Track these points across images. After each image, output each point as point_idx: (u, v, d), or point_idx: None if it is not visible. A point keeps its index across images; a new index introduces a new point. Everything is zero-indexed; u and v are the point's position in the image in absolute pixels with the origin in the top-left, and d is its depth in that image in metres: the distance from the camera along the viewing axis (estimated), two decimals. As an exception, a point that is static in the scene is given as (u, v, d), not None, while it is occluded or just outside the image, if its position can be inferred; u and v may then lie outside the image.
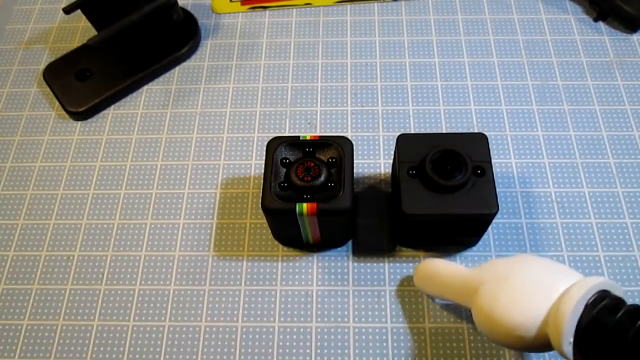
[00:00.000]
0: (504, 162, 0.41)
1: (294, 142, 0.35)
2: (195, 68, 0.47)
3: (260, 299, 0.37)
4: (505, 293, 0.28)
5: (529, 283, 0.28)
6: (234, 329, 0.36)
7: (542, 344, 0.27)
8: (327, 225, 0.35)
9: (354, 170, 0.36)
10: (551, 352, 0.33)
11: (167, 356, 0.35)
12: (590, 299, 0.25)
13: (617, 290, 0.27)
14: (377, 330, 0.35)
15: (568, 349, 0.25)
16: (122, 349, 0.35)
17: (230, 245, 0.39)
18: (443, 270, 0.33)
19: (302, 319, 0.36)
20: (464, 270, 0.32)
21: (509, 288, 0.28)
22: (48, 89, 0.46)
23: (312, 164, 0.34)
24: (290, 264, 0.38)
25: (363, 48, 0.47)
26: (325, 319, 0.36)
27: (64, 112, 0.45)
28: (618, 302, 0.26)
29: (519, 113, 0.43)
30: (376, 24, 0.49)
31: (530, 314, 0.27)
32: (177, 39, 0.47)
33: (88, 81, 0.46)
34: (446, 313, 0.36)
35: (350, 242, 0.38)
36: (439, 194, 0.33)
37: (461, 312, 0.36)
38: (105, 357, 0.35)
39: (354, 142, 0.35)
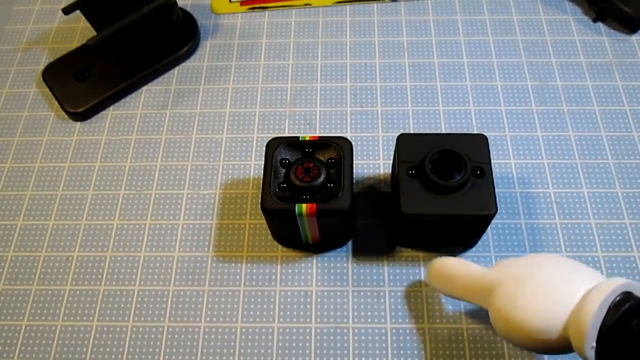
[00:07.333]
0: (503, 162, 0.41)
1: (293, 143, 0.35)
2: (194, 68, 0.47)
3: (259, 300, 0.37)
4: (524, 295, 0.27)
5: (549, 284, 0.27)
6: (233, 330, 0.36)
7: (563, 346, 0.26)
8: (327, 226, 0.35)
9: (354, 171, 0.36)
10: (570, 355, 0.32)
11: (167, 357, 0.35)
12: (612, 301, 0.24)
13: None
14: (377, 331, 0.35)
15: (590, 353, 0.24)
16: (121, 349, 0.35)
17: (229, 245, 0.39)
18: (457, 270, 0.32)
19: (301, 319, 0.36)
20: (479, 269, 0.31)
21: (528, 290, 0.27)
22: (47, 90, 0.46)
23: (312, 165, 0.34)
24: (290, 264, 0.38)
25: (362, 48, 0.47)
26: (325, 320, 0.36)
27: (63, 113, 0.45)
28: None
29: (518, 114, 0.43)
30: (375, 25, 0.49)
31: (551, 317, 0.26)
32: (177, 39, 0.47)
33: (87, 82, 0.46)
34: (446, 313, 0.36)
35: (349, 243, 0.38)
36: (438, 195, 0.33)
37: (461, 312, 0.36)
38: (104, 357, 0.35)
39: (353, 143, 0.35)
